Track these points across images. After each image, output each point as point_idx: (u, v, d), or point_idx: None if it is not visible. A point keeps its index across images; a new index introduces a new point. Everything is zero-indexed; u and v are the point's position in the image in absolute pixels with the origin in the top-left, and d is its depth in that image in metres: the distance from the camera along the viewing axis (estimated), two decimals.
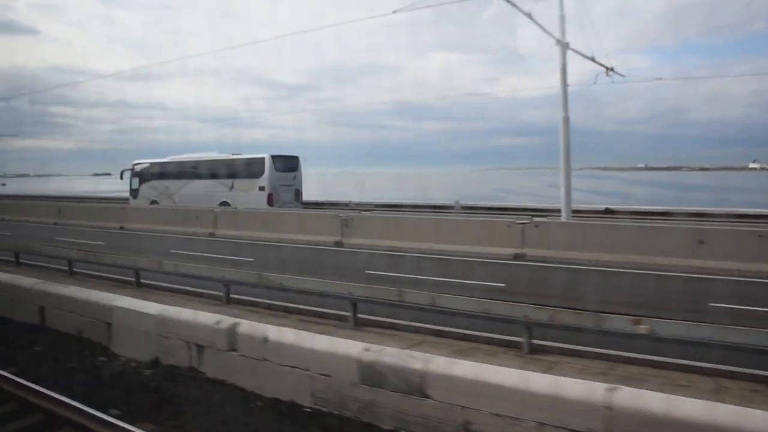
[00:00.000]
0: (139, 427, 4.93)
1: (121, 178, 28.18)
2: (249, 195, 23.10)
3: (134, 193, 27.67)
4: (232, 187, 23.91)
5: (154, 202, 26.65)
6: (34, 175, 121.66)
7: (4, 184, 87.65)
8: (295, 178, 23.96)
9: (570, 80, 15.06)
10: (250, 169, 23.53)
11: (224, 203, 23.84)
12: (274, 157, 23.09)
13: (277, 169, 23.05)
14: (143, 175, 27.44)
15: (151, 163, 27.39)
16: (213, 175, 24.58)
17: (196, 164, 25.28)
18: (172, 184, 26.07)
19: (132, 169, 27.80)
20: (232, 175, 24.02)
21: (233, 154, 24.70)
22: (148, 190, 27.06)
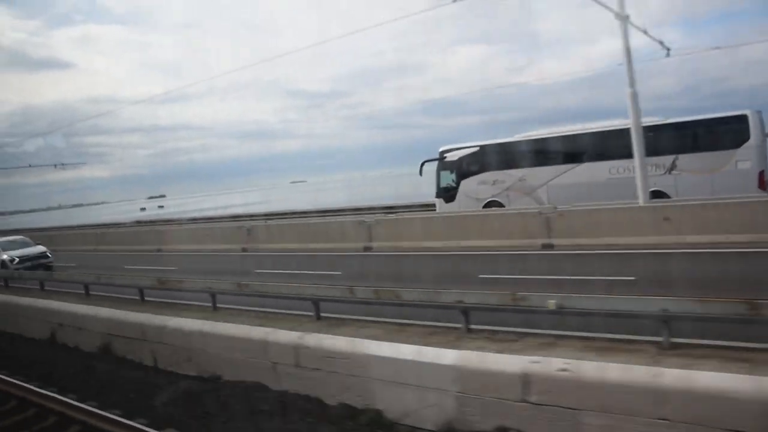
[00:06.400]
0: None
1: (420, 174, 19.74)
2: (713, 177, 14.75)
3: (446, 193, 19.26)
4: (672, 168, 15.51)
5: (492, 203, 18.26)
6: (87, 204, 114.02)
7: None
8: None
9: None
10: (716, 135, 15.16)
11: (656, 193, 15.45)
12: (760, 114, 14.73)
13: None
14: (465, 167, 19.00)
15: (483, 147, 18.85)
16: (624, 153, 16.18)
17: (588, 138, 16.83)
18: (533, 174, 17.65)
19: (441, 159, 19.37)
20: (668, 149, 15.62)
21: (661, 118, 16.26)
22: (477, 186, 18.65)
